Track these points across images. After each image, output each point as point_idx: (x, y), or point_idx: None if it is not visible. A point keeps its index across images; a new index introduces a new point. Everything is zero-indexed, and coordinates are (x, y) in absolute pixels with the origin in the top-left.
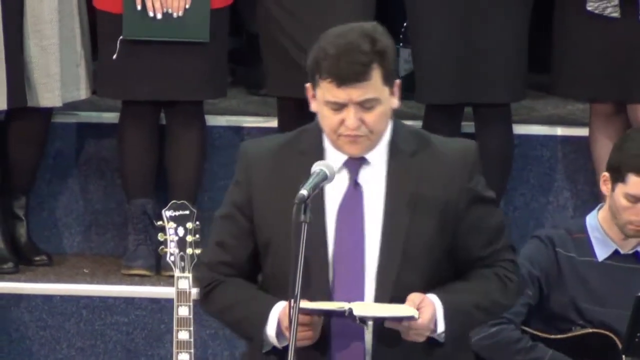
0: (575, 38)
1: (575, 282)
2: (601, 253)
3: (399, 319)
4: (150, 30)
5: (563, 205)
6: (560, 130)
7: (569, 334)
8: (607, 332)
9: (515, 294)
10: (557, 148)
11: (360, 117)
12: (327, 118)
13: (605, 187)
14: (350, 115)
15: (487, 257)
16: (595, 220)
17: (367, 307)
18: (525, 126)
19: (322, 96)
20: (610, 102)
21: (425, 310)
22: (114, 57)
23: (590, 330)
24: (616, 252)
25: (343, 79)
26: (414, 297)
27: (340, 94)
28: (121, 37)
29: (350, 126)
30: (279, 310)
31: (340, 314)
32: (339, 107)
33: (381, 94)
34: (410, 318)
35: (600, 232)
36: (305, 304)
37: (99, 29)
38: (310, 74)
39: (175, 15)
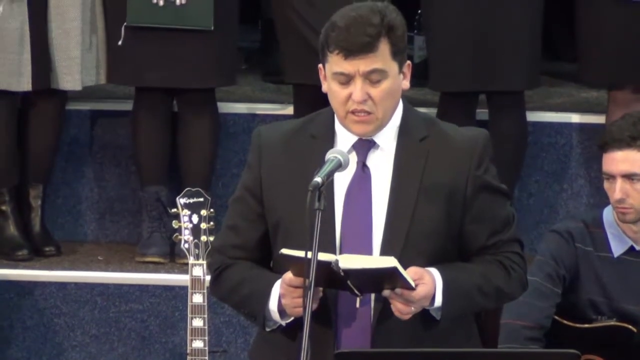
0: (598, 24)
1: (591, 277)
2: (617, 249)
3: (381, 271)
4: (154, 17)
5: (577, 193)
6: (574, 117)
7: (595, 324)
8: (630, 326)
9: (519, 285)
10: (572, 135)
11: (367, 92)
12: (335, 92)
13: None
14: (357, 88)
15: (491, 246)
16: (611, 216)
17: (353, 259)
18: (540, 113)
19: (330, 70)
20: (630, 87)
21: (422, 288)
22: (119, 43)
23: (614, 323)
24: (632, 248)
25: (351, 51)
26: (414, 272)
27: (348, 66)
28: (125, 24)
29: (356, 98)
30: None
31: (326, 264)
32: (347, 79)
33: (389, 68)
34: (392, 270)
35: (616, 227)
36: (292, 251)
37: (107, 15)
38: (321, 50)
39: (178, 2)
